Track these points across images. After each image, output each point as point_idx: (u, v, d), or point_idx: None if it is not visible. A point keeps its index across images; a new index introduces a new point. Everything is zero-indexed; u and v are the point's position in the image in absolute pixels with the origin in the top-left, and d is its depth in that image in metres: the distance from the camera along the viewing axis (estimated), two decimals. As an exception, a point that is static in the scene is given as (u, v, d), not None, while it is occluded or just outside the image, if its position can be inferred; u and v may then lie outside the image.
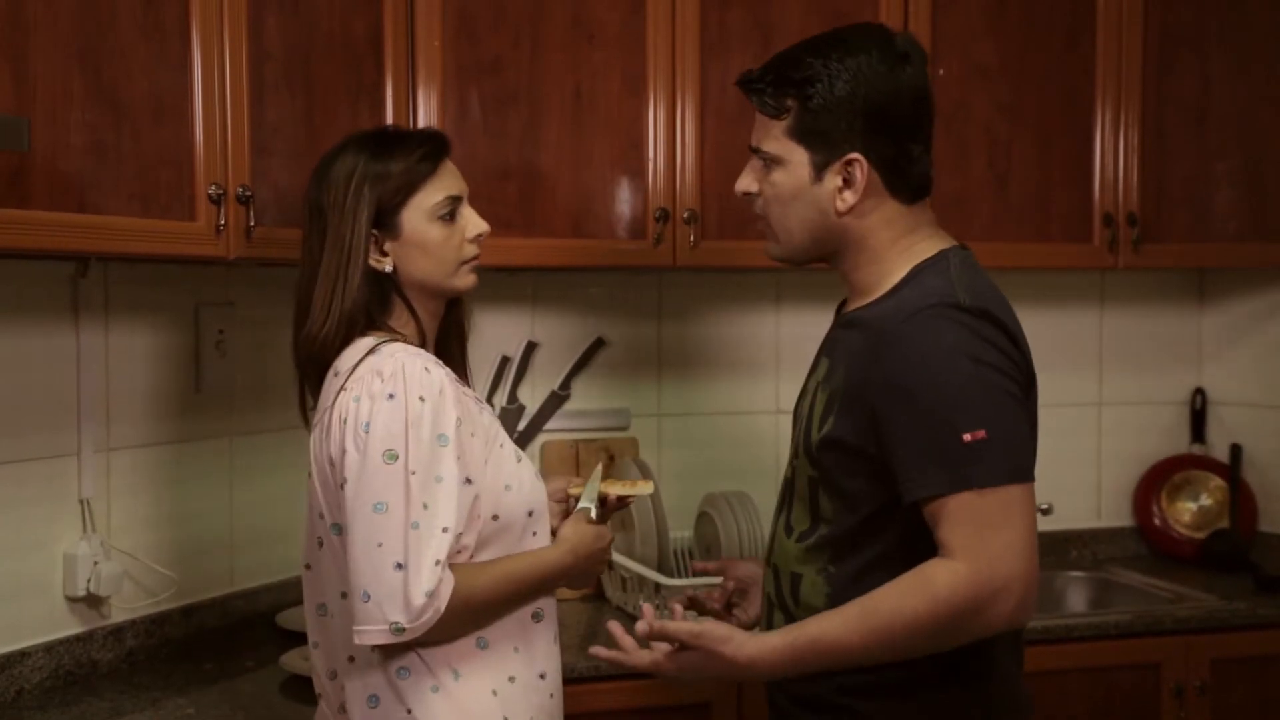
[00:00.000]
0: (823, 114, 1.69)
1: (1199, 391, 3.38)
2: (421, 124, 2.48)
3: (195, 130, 2.00)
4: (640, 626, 1.71)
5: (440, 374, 1.73)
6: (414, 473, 1.66)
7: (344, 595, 1.74)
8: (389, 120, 2.41)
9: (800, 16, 2.71)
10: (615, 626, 1.77)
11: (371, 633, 1.65)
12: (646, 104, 2.63)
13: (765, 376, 3.12)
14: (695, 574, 2.21)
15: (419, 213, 1.79)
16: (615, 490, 1.99)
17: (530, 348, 2.97)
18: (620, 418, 3.03)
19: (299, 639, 2.35)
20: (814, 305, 3.08)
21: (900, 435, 1.61)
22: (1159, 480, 3.32)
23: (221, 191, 2.02)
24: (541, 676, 1.83)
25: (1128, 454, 3.36)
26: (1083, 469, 3.35)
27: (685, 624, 1.68)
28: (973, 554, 1.56)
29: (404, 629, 1.63)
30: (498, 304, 2.89)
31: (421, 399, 1.68)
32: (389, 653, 1.72)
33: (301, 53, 2.22)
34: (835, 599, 1.69)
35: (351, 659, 1.76)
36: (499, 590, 1.76)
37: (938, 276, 1.68)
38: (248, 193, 2.05)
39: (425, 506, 1.65)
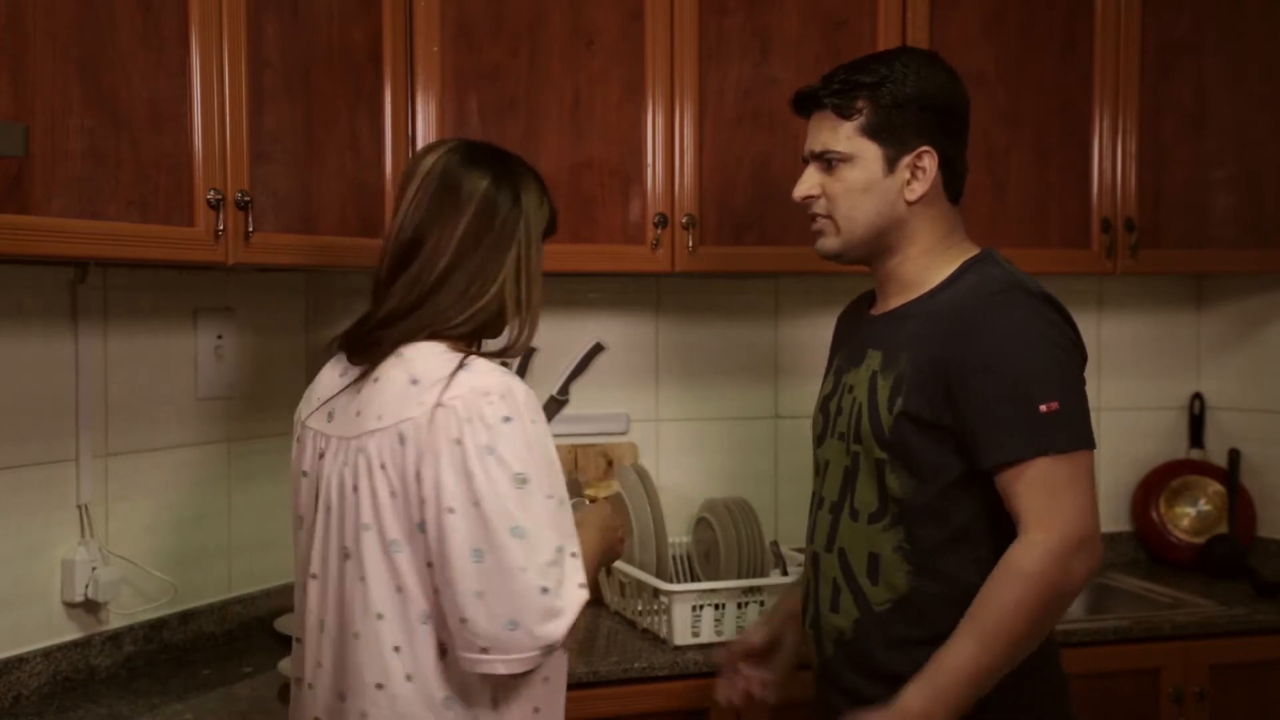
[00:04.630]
0: (894, 111, 1.86)
1: (1197, 396, 3.38)
2: (420, 131, 2.48)
3: (194, 136, 2.00)
4: None
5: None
6: (550, 496, 1.66)
7: (380, 616, 1.67)
8: (387, 127, 2.42)
9: (798, 24, 2.72)
10: None
11: (517, 660, 1.62)
12: (645, 110, 2.64)
13: (764, 382, 3.12)
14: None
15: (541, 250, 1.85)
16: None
17: (528, 353, 2.97)
18: (619, 423, 3.03)
19: (297, 645, 2.35)
20: (812, 312, 3.08)
21: (980, 406, 1.75)
22: (1157, 485, 3.32)
23: (220, 197, 2.02)
24: None
25: (1126, 459, 3.36)
26: (1081, 474, 3.34)
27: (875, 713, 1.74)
28: (1047, 520, 1.71)
29: (553, 648, 1.64)
30: (496, 310, 2.88)
31: (534, 421, 1.67)
32: (444, 681, 1.67)
33: (301, 60, 2.22)
34: (919, 574, 1.82)
35: (379, 685, 1.67)
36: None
37: (995, 268, 1.86)
38: (246, 198, 2.05)
39: (569, 531, 1.68)
